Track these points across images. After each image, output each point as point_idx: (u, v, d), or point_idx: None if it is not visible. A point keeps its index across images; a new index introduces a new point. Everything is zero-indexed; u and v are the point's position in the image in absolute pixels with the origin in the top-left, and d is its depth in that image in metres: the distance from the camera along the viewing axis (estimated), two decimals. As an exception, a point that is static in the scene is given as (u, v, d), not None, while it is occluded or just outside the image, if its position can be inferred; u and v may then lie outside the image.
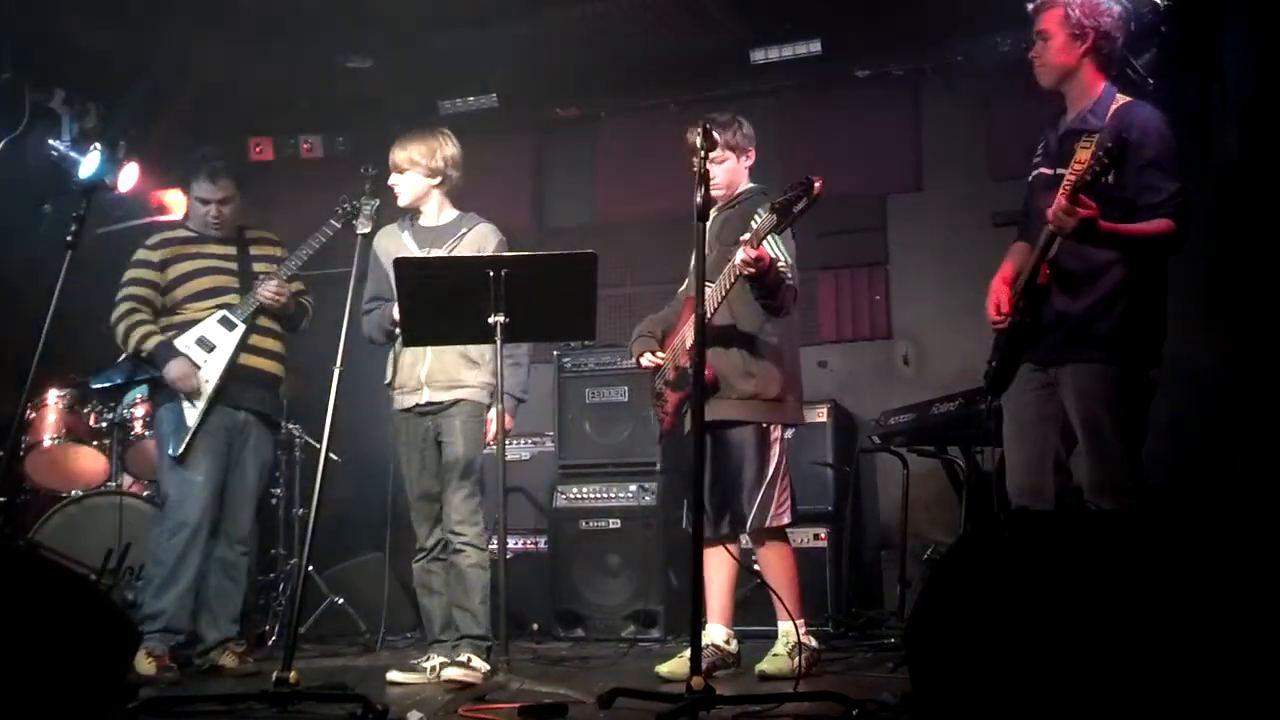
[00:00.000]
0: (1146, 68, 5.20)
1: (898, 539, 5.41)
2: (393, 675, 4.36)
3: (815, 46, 6.26)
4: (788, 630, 4.23)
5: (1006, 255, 3.95)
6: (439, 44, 6.28)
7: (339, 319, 4.06)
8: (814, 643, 4.37)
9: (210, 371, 4.81)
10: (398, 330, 4.41)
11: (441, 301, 4.08)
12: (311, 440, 5.98)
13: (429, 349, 4.45)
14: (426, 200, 4.61)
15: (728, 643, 4.41)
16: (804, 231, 4.30)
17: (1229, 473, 5.12)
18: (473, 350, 4.49)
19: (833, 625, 5.40)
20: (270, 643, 5.54)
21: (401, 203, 4.61)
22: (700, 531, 3.45)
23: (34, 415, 5.72)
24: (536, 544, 6.15)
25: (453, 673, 4.14)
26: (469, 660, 4.23)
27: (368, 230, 4.14)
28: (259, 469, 5.03)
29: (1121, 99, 3.76)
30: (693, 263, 4.51)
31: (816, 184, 3.79)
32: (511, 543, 6.02)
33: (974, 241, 6.16)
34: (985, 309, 3.85)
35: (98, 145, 6.08)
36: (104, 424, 5.83)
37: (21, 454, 5.67)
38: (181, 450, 4.74)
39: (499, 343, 3.99)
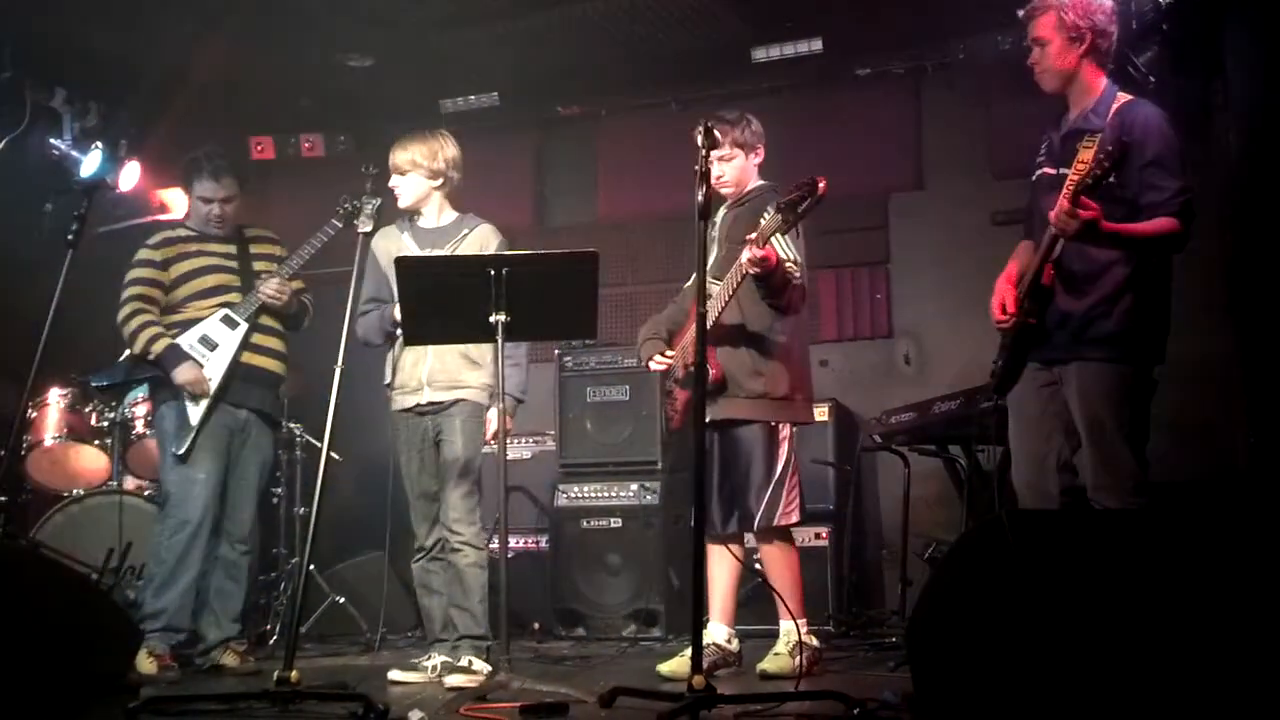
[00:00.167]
0: (1148, 66, 5.20)
1: (899, 538, 5.41)
2: (394, 674, 4.36)
3: (816, 45, 6.27)
4: (789, 629, 4.23)
5: (1012, 255, 3.95)
6: (440, 42, 6.29)
7: (339, 318, 4.06)
8: (815, 642, 4.37)
9: (213, 370, 4.80)
10: (398, 331, 4.41)
11: (442, 301, 4.07)
12: (313, 439, 5.98)
13: (430, 349, 4.45)
14: (427, 202, 4.61)
15: (729, 642, 4.41)
16: (805, 230, 4.30)
17: (1232, 471, 5.12)
18: (473, 351, 4.49)
19: (834, 624, 5.40)
20: (271, 642, 5.53)
21: (403, 204, 4.60)
22: (702, 530, 3.44)
23: (35, 414, 5.72)
24: (538, 543, 6.15)
25: (456, 679, 4.13)
26: (470, 664, 4.23)
27: (369, 229, 4.13)
28: (260, 468, 5.02)
29: (1123, 97, 3.76)
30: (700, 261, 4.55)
31: (821, 184, 3.83)
32: (512, 542, 6.02)
33: (975, 240, 6.17)
34: (987, 308, 3.85)
35: (99, 144, 6.11)
36: (105, 423, 5.84)
37: (23, 453, 5.67)
38: (185, 449, 4.74)
39: (500, 342, 3.98)
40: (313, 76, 6.63)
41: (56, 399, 5.80)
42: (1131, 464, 3.57)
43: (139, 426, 5.78)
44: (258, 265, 5.05)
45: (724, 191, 4.51)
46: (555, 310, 4.11)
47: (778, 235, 4.02)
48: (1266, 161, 4.77)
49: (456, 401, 4.46)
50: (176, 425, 4.78)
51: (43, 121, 6.18)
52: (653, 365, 4.53)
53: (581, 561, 5.85)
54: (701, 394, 3.56)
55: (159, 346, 4.79)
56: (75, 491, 5.63)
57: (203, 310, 4.88)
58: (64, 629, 3.63)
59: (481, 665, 4.23)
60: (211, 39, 5.99)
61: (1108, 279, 3.64)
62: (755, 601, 5.02)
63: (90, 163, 6.07)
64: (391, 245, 4.56)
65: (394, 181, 4.56)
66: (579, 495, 5.93)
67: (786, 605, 4.23)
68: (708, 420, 4.28)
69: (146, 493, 5.67)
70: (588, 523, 5.88)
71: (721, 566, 4.42)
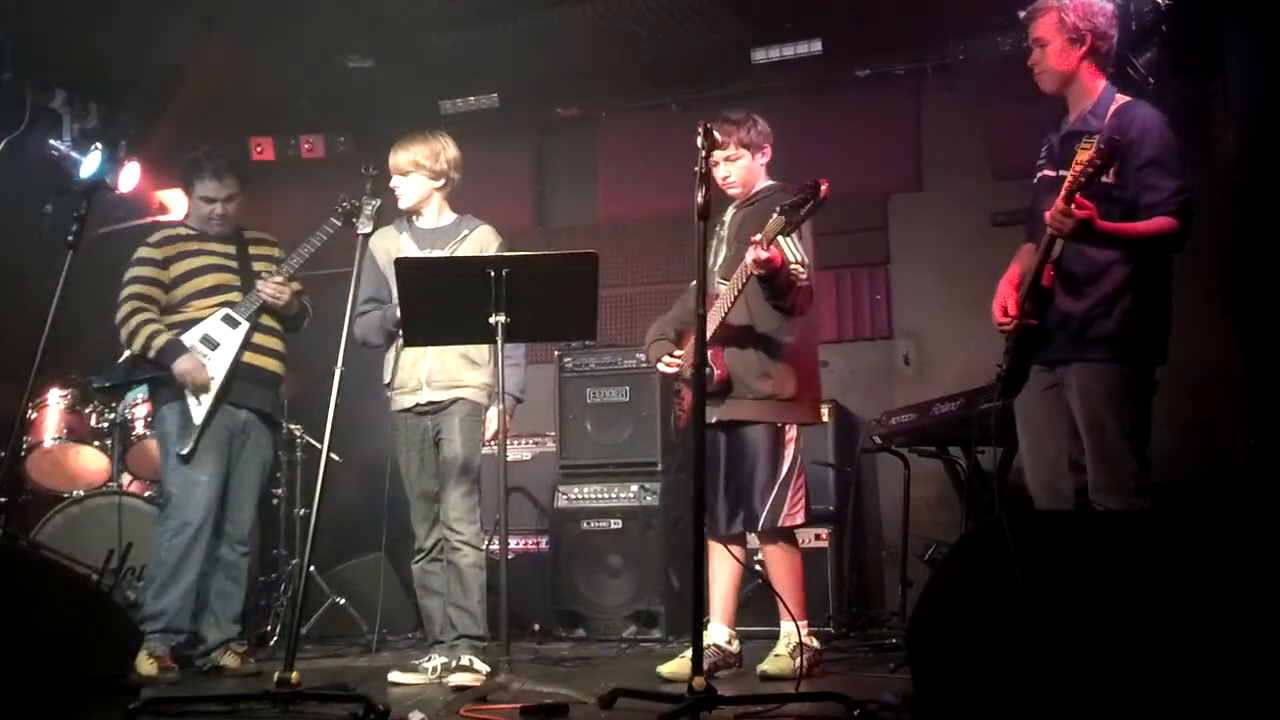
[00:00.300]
0: (1147, 67, 5.20)
1: (899, 539, 5.40)
2: (394, 676, 4.37)
3: (816, 46, 6.26)
4: (790, 631, 4.23)
5: (1014, 258, 3.95)
6: (440, 44, 6.28)
7: (339, 318, 4.06)
8: (815, 643, 4.37)
9: (215, 369, 4.80)
10: (400, 331, 4.41)
11: (442, 301, 4.07)
12: (313, 440, 5.98)
13: (429, 349, 4.45)
14: (428, 203, 4.61)
15: (729, 643, 4.41)
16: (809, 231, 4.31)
17: (1232, 471, 5.12)
18: (473, 350, 4.50)
19: (834, 625, 5.40)
20: (272, 643, 5.54)
21: (403, 205, 4.60)
22: (702, 531, 3.44)
23: (35, 415, 5.73)
24: (538, 544, 6.14)
25: (461, 678, 4.13)
26: (471, 663, 4.23)
27: (368, 230, 4.13)
28: (260, 469, 5.02)
29: (1121, 98, 3.77)
30: (712, 263, 4.56)
31: (823, 186, 3.87)
32: (513, 543, 6.01)
33: (975, 241, 6.18)
34: (988, 309, 3.86)
35: (98, 145, 6.11)
36: (105, 424, 5.84)
37: (23, 454, 5.67)
38: (189, 449, 4.73)
39: (499, 343, 3.98)
40: (312, 77, 6.63)
41: (56, 400, 5.80)
42: (1133, 464, 3.57)
43: (139, 427, 5.79)
44: (257, 266, 5.05)
45: (731, 192, 4.52)
46: (555, 311, 4.11)
47: (784, 237, 4.03)
48: (1266, 161, 4.77)
49: (456, 401, 4.47)
50: (180, 425, 4.77)
51: (42, 122, 6.18)
52: (661, 366, 4.54)
53: (582, 563, 5.85)
54: (701, 395, 3.57)
55: (159, 341, 4.79)
56: (75, 492, 5.62)
57: (203, 310, 4.88)
58: (64, 630, 3.63)
59: (481, 665, 4.23)
60: (211, 40, 5.99)
61: (1107, 279, 3.65)
62: (756, 602, 5.02)
63: (90, 164, 6.07)
64: (390, 245, 4.56)
65: (395, 182, 4.56)
66: (579, 496, 5.93)
67: (787, 607, 4.23)
68: (714, 420, 4.32)
69: (147, 494, 5.67)
70: (588, 524, 5.87)
71: (723, 567, 4.42)
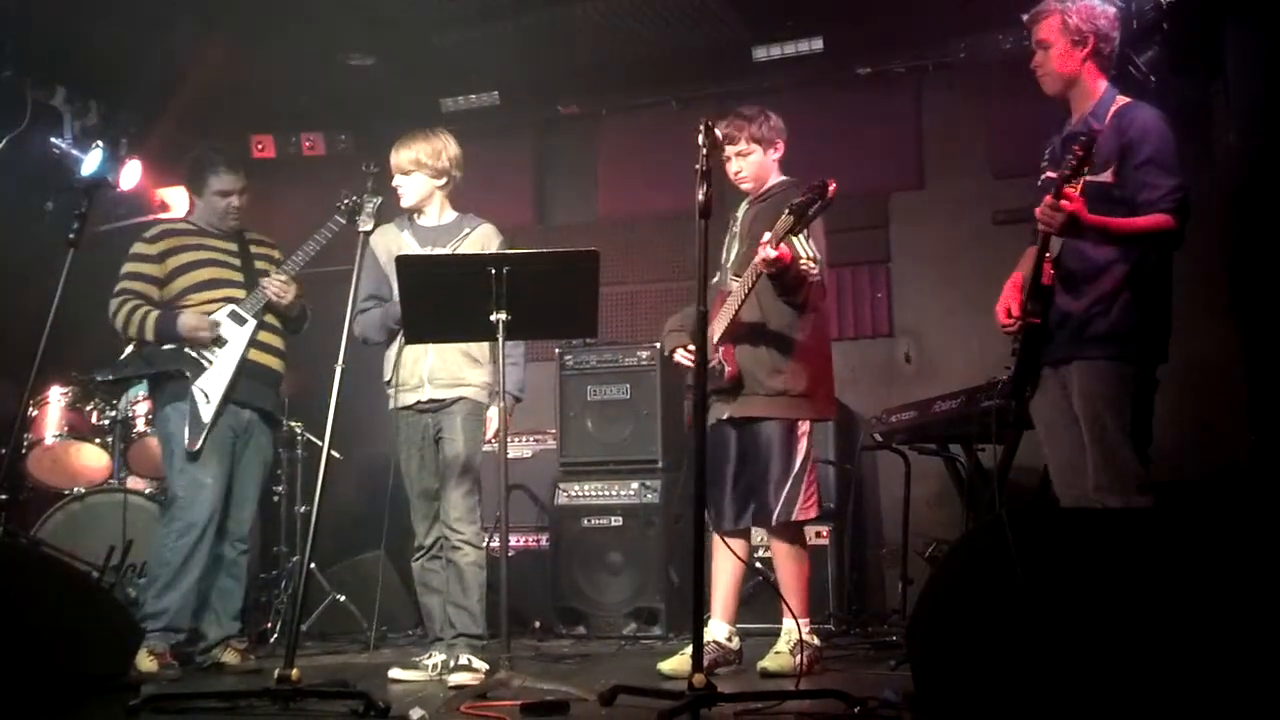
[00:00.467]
0: (1149, 65, 5.20)
1: (899, 537, 5.41)
2: (394, 673, 4.37)
3: (817, 44, 6.27)
4: (791, 628, 4.23)
5: (1019, 260, 3.96)
6: (441, 41, 6.28)
7: (340, 317, 4.06)
8: (816, 641, 4.38)
9: (222, 367, 4.79)
10: (400, 328, 4.40)
11: (443, 299, 4.07)
12: (313, 438, 5.98)
13: (431, 346, 4.45)
14: (430, 201, 4.61)
15: (729, 640, 4.41)
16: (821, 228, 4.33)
17: (1233, 470, 5.12)
18: (475, 349, 4.50)
19: (834, 623, 5.40)
20: (272, 640, 5.54)
21: (405, 204, 4.60)
22: (702, 528, 3.45)
23: (36, 413, 5.73)
24: (538, 541, 6.15)
25: (459, 677, 4.13)
26: (469, 662, 4.23)
27: (369, 227, 4.14)
28: (261, 468, 5.02)
29: (1121, 100, 3.78)
30: (725, 259, 4.56)
31: (831, 186, 3.92)
32: (513, 540, 6.02)
33: (976, 239, 6.19)
34: (988, 307, 3.87)
35: (99, 143, 6.11)
36: (106, 421, 5.84)
37: (24, 451, 5.67)
38: (199, 445, 4.71)
39: (501, 340, 3.98)
40: (313, 75, 6.63)
41: (57, 397, 5.80)
42: (1134, 463, 3.57)
43: (140, 425, 5.78)
44: (259, 265, 5.05)
45: (744, 187, 4.53)
46: (556, 309, 4.11)
47: (793, 235, 4.05)
48: (1267, 161, 4.77)
49: (458, 400, 4.47)
50: (188, 422, 4.74)
51: (43, 120, 6.18)
52: (678, 357, 4.53)
53: (582, 560, 5.85)
54: (701, 392, 3.57)
55: (152, 320, 4.78)
56: (76, 490, 5.62)
57: (203, 303, 4.86)
58: (64, 627, 3.64)
59: (480, 663, 4.23)
60: (212, 38, 5.99)
61: (1106, 278, 3.65)
62: (757, 600, 5.02)
63: (91, 161, 6.08)
64: (391, 243, 4.56)
65: (397, 181, 4.56)
66: (579, 494, 5.93)
67: (789, 605, 4.23)
68: (728, 417, 4.35)
69: (148, 490, 5.66)
70: (588, 521, 5.88)
71: (725, 564, 4.43)
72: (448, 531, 4.40)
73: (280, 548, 6.01)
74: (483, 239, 4.59)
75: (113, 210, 6.36)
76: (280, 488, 6.03)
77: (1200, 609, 2.66)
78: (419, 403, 4.49)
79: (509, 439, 4.33)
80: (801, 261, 4.16)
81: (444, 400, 4.47)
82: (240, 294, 4.92)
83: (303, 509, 5.97)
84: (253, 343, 4.87)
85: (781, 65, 6.40)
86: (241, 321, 4.86)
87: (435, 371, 4.47)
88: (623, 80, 6.80)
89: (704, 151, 3.55)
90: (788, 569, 4.35)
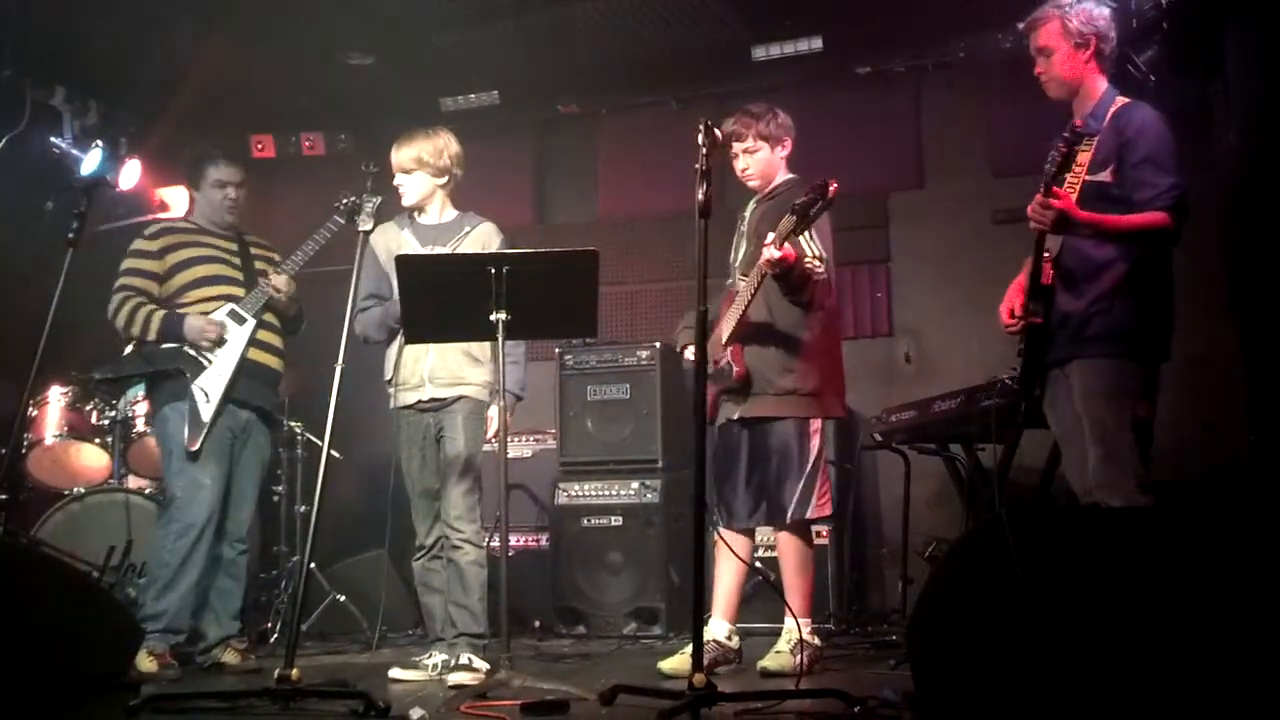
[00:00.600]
0: (1148, 64, 5.20)
1: (899, 536, 5.41)
2: (394, 672, 4.37)
3: (816, 44, 6.27)
4: (791, 627, 4.24)
5: (1025, 261, 3.96)
6: (441, 41, 6.28)
7: (340, 316, 4.06)
8: (816, 640, 4.38)
9: (222, 367, 4.79)
10: (400, 327, 4.40)
11: (443, 299, 4.07)
12: (313, 437, 5.98)
13: (431, 345, 4.45)
14: (431, 200, 4.61)
15: (730, 638, 4.41)
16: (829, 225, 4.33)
17: (1233, 469, 5.12)
18: (475, 348, 4.50)
19: (834, 622, 5.40)
20: (272, 640, 5.53)
21: (407, 203, 4.60)
22: (702, 528, 3.45)
23: (36, 413, 5.72)
24: (538, 541, 6.15)
25: (460, 677, 4.13)
26: (470, 661, 4.24)
27: (369, 227, 4.14)
28: (260, 468, 5.02)
29: (1121, 100, 3.78)
30: (733, 259, 4.55)
31: (831, 187, 3.93)
32: (513, 540, 6.02)
33: (976, 238, 6.19)
34: (987, 306, 3.88)
35: (99, 143, 6.10)
36: (106, 421, 5.83)
37: (23, 451, 5.67)
38: (199, 444, 4.70)
39: (500, 340, 3.98)
40: (313, 75, 6.62)
41: (57, 397, 5.80)
42: (1134, 462, 3.56)
43: (139, 425, 5.78)
44: (258, 265, 5.04)
45: (751, 184, 4.54)
46: (556, 308, 4.11)
47: (796, 235, 4.06)
48: (1267, 161, 4.77)
49: (459, 399, 4.47)
50: (188, 421, 4.74)
51: (43, 120, 6.18)
52: (688, 354, 4.54)
53: (582, 559, 5.85)
54: (702, 390, 3.57)
55: (156, 320, 4.77)
56: (76, 490, 5.62)
57: (202, 300, 4.85)
58: (65, 627, 3.63)
59: (480, 663, 4.23)
60: (212, 38, 5.99)
61: (1106, 277, 3.65)
62: (758, 599, 5.02)
63: (90, 161, 6.07)
64: (391, 241, 4.56)
65: (399, 180, 4.56)
66: (579, 493, 5.93)
67: (789, 604, 4.23)
68: (737, 417, 4.36)
69: (147, 491, 5.66)
70: (588, 521, 5.88)
71: (729, 562, 4.43)
72: (448, 531, 4.40)
73: (280, 547, 6.00)
74: (484, 237, 4.59)
75: (112, 210, 6.36)
76: (280, 487, 6.03)
77: (1200, 609, 2.66)
78: (420, 402, 4.49)
79: (509, 438, 4.33)
80: (806, 260, 4.17)
81: (445, 399, 4.47)
82: (239, 292, 4.92)
83: (303, 509, 5.97)
84: (252, 342, 4.87)
85: (781, 65, 6.40)
86: (241, 321, 4.86)
87: (436, 370, 4.47)
88: (622, 80, 6.80)
89: (704, 151, 3.56)
90: (793, 565, 4.35)
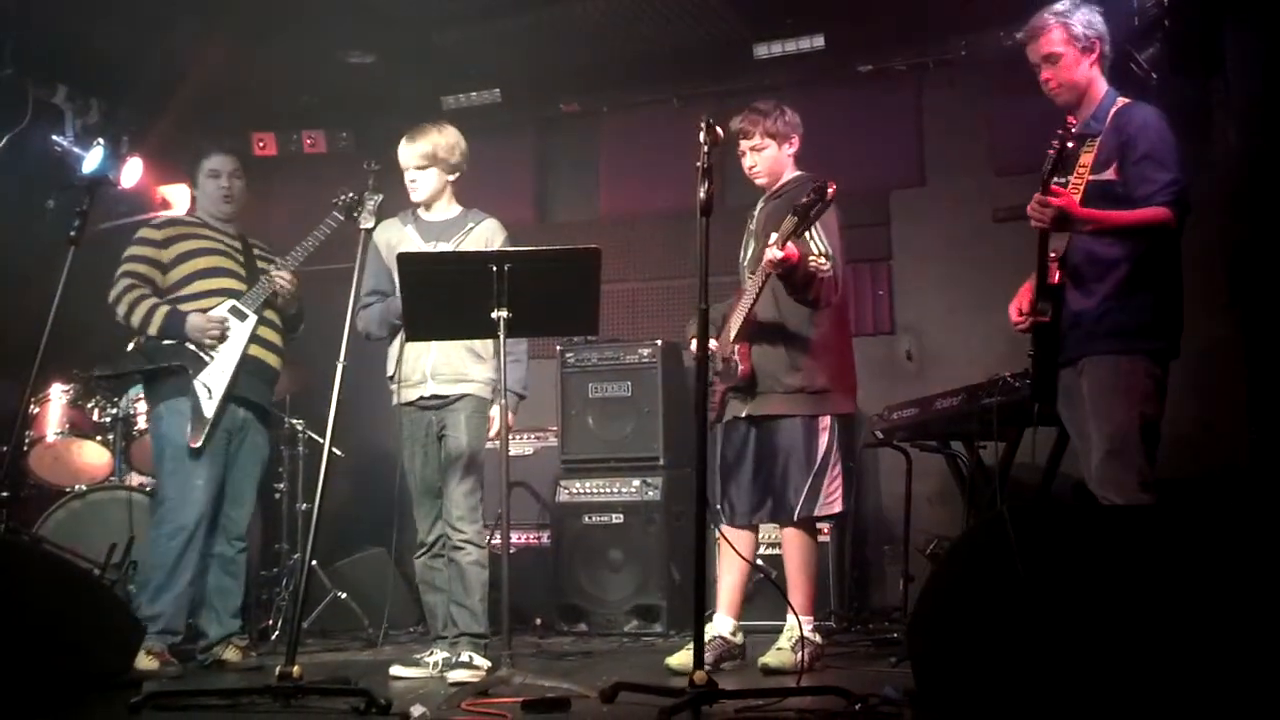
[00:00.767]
0: (1150, 62, 5.20)
1: (901, 534, 5.41)
2: (396, 670, 4.37)
3: (818, 41, 6.27)
4: (793, 624, 4.24)
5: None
6: (442, 39, 6.29)
7: (341, 314, 4.06)
8: (818, 638, 4.38)
9: (225, 363, 4.79)
10: (402, 323, 4.40)
11: (444, 296, 4.08)
12: (314, 435, 5.98)
13: (434, 342, 4.45)
14: (440, 195, 4.61)
15: (734, 634, 4.42)
16: (837, 222, 4.33)
17: (1233, 469, 5.12)
18: (477, 345, 4.50)
19: (835, 620, 5.41)
20: (273, 637, 5.54)
21: (418, 198, 4.59)
22: (704, 526, 3.45)
23: (37, 410, 5.73)
24: (539, 539, 6.15)
25: (460, 675, 4.14)
26: (471, 660, 4.24)
27: (370, 224, 4.14)
28: (257, 466, 5.01)
29: (1121, 101, 3.79)
30: (743, 257, 4.56)
31: (830, 188, 3.97)
32: (514, 537, 6.02)
33: (977, 236, 6.18)
34: (989, 304, 3.89)
35: (100, 141, 6.11)
36: (107, 419, 5.84)
37: (25, 449, 5.67)
38: (202, 441, 4.69)
39: (502, 337, 3.99)
40: (314, 73, 6.63)
41: (59, 395, 5.80)
42: (1138, 460, 3.56)
43: (141, 422, 5.78)
44: (259, 264, 5.05)
45: (759, 182, 4.54)
46: (557, 306, 4.11)
47: (812, 228, 4.08)
48: (1267, 160, 4.77)
49: (462, 396, 4.46)
50: (191, 417, 4.73)
51: (44, 118, 6.18)
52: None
53: (583, 557, 5.85)
54: (703, 388, 3.58)
55: (159, 316, 4.76)
56: (78, 487, 5.63)
57: (203, 292, 4.84)
58: (67, 624, 3.64)
59: (482, 661, 4.24)
60: (213, 36, 5.99)
61: (1113, 275, 3.67)
62: (761, 597, 5.02)
63: (92, 159, 6.08)
64: (394, 237, 4.56)
65: (411, 176, 4.55)
66: (581, 491, 5.94)
67: (791, 603, 4.24)
68: (745, 415, 4.35)
69: (149, 488, 5.67)
70: (589, 518, 5.88)
71: (733, 560, 4.43)
72: (450, 530, 4.40)
73: (281, 545, 6.01)
74: (487, 234, 4.59)
75: (114, 208, 6.36)
76: (281, 485, 6.03)
77: (1200, 607, 2.66)
78: (422, 399, 4.49)
79: (510, 436, 4.33)
80: (812, 258, 4.17)
81: (448, 397, 4.47)
82: (240, 285, 4.91)
83: (304, 506, 5.96)
84: (252, 338, 4.87)
85: (782, 63, 6.40)
86: (243, 316, 4.86)
87: (438, 367, 4.47)
88: (624, 78, 6.80)
89: (705, 149, 3.56)
90: (797, 561, 4.36)
